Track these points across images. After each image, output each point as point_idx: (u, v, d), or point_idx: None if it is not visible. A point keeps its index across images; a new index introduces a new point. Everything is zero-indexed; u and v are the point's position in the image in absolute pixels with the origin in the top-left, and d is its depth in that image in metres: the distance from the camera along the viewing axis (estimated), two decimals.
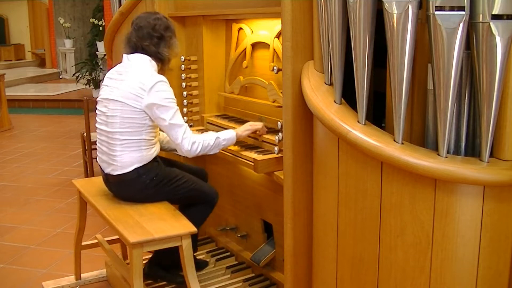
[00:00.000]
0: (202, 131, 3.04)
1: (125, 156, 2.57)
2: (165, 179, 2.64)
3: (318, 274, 2.18)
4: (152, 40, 2.63)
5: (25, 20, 13.72)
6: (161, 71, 2.69)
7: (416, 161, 1.66)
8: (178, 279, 2.82)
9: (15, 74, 11.57)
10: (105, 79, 2.73)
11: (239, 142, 2.72)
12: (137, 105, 2.51)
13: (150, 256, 2.92)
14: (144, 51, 2.63)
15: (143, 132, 2.57)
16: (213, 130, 2.91)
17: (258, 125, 2.70)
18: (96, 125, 2.69)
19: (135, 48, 2.65)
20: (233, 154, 2.70)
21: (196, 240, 2.95)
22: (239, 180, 3.10)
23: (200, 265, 3.02)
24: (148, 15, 2.70)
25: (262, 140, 2.69)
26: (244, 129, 2.69)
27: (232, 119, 3.04)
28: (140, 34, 2.63)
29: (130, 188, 2.62)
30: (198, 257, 3.11)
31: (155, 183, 2.62)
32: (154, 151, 2.64)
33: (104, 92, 2.66)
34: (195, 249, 2.89)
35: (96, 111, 2.70)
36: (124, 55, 2.67)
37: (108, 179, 2.69)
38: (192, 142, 2.55)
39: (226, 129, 2.89)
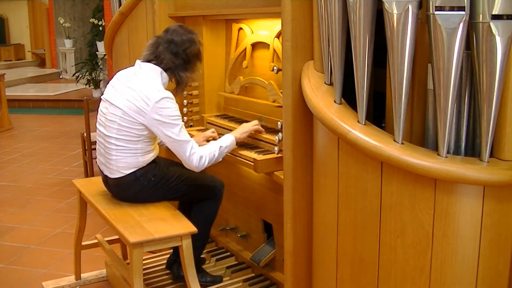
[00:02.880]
0: (202, 131, 3.04)
1: (121, 161, 2.55)
2: (163, 179, 2.63)
3: (318, 274, 2.18)
4: (177, 59, 2.56)
5: (25, 20, 13.73)
6: (175, 91, 2.61)
7: (416, 161, 1.66)
8: (207, 278, 2.84)
9: (15, 74, 11.57)
10: (113, 78, 2.67)
11: (239, 142, 2.72)
12: (139, 118, 2.47)
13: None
14: (162, 64, 2.55)
15: (139, 142, 2.53)
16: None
17: (254, 123, 2.69)
18: (97, 125, 2.66)
19: (154, 57, 2.56)
20: (233, 154, 2.70)
21: (205, 242, 2.89)
22: (239, 180, 3.10)
23: (215, 279, 2.94)
24: (184, 32, 2.60)
25: (265, 141, 2.68)
26: (242, 132, 2.68)
27: (232, 119, 3.04)
28: (169, 49, 2.55)
29: (129, 190, 2.62)
30: (205, 262, 3.08)
31: (153, 183, 2.61)
32: (151, 156, 2.62)
33: (108, 92, 2.61)
34: (201, 251, 2.85)
35: (98, 109, 2.66)
36: (137, 61, 2.60)
37: (107, 181, 2.69)
38: (200, 156, 2.53)
39: (226, 129, 2.89)
